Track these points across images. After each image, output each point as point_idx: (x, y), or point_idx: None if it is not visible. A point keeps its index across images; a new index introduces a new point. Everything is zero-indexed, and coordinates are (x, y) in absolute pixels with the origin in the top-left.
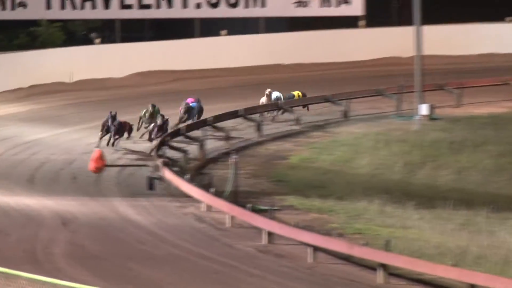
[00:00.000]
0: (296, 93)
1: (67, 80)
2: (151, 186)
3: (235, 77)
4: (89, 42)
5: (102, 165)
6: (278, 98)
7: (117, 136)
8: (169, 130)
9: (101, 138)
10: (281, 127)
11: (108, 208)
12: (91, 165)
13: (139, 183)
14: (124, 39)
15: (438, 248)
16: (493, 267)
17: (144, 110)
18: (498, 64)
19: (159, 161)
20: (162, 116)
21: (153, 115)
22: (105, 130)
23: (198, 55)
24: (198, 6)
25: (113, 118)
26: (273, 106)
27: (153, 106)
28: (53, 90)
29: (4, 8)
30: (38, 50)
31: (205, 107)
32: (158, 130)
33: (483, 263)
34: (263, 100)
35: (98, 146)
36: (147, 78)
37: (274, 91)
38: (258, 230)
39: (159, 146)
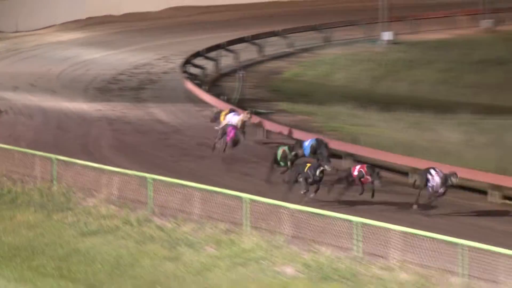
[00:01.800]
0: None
1: (115, 13)
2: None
3: (241, 11)
4: None
5: None
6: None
7: None
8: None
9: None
10: (278, 49)
11: (145, 111)
12: None
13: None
14: None
15: (393, 141)
16: (435, 156)
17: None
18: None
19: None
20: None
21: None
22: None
23: None
24: None
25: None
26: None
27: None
28: (104, 21)
29: None
30: None
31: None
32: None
33: (426, 153)
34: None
35: None
36: (179, 11)
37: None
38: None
39: (184, 64)
